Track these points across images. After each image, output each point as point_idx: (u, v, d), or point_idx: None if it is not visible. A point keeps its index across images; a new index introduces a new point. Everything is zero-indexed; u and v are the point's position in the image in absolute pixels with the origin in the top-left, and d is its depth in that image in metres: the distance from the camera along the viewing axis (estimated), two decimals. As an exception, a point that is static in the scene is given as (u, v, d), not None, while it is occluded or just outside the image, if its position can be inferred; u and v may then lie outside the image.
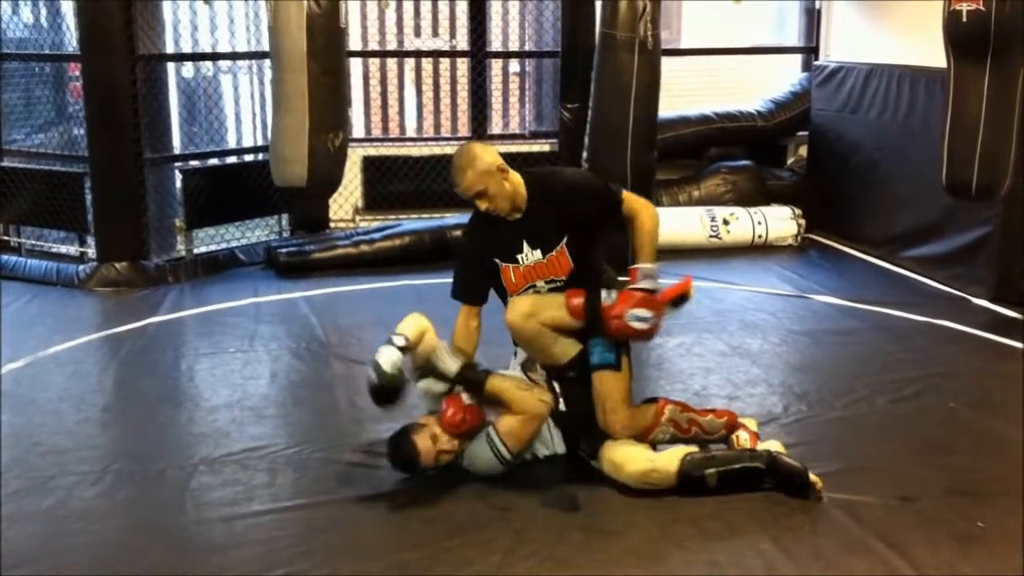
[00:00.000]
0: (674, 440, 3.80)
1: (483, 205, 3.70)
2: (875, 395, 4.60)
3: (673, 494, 3.56)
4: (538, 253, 3.77)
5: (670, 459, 3.59)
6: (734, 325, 5.65)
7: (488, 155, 3.69)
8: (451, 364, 3.68)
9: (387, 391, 3.64)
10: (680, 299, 3.81)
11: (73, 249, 6.88)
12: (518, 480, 3.71)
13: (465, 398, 3.67)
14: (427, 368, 3.72)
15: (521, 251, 3.78)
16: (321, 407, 4.54)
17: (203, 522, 3.49)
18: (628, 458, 3.61)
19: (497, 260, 3.82)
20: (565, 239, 3.74)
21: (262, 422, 4.34)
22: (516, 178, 3.75)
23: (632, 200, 3.82)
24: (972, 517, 3.46)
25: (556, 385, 3.82)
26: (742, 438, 3.84)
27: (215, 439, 4.15)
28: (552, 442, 3.83)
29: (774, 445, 3.77)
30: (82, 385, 4.80)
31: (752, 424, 3.97)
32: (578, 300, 3.66)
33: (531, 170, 3.89)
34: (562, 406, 3.80)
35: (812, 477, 3.56)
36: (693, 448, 3.67)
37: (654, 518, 3.46)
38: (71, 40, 6.58)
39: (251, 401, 4.56)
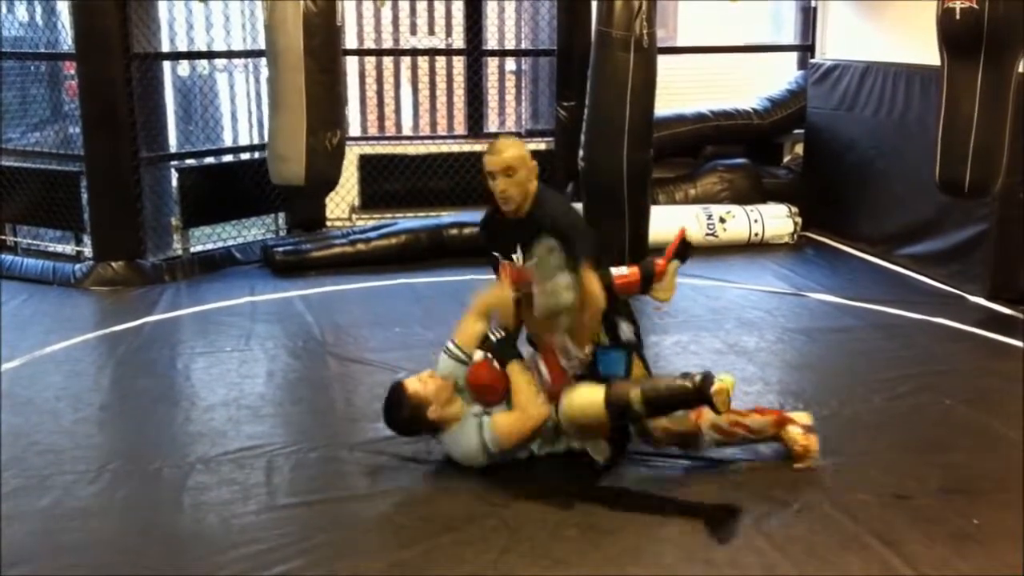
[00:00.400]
0: (719, 445, 3.82)
1: (500, 185, 3.86)
2: (871, 393, 4.61)
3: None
4: (522, 259, 3.91)
5: (599, 391, 3.55)
6: (731, 323, 5.66)
7: (526, 151, 3.93)
8: (494, 333, 3.76)
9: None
10: (682, 250, 4.01)
11: (69, 248, 6.88)
12: (514, 478, 3.71)
13: (496, 366, 3.71)
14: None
15: (515, 252, 3.95)
16: (317, 406, 4.54)
17: (200, 521, 3.49)
18: (568, 397, 3.60)
19: (498, 255, 4.03)
20: None
21: (259, 421, 4.34)
22: (535, 186, 3.95)
23: (587, 279, 3.73)
24: (967, 514, 3.47)
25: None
26: (794, 431, 3.81)
27: (212, 438, 4.15)
28: (553, 438, 3.80)
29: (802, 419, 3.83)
30: (79, 384, 4.80)
31: (805, 418, 3.91)
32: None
33: (546, 190, 4.05)
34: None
35: (714, 388, 3.45)
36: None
37: (650, 516, 3.47)
38: (67, 39, 6.58)
39: (248, 400, 4.57)
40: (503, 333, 3.78)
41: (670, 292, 4.20)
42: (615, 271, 3.97)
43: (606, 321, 3.87)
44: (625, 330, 3.93)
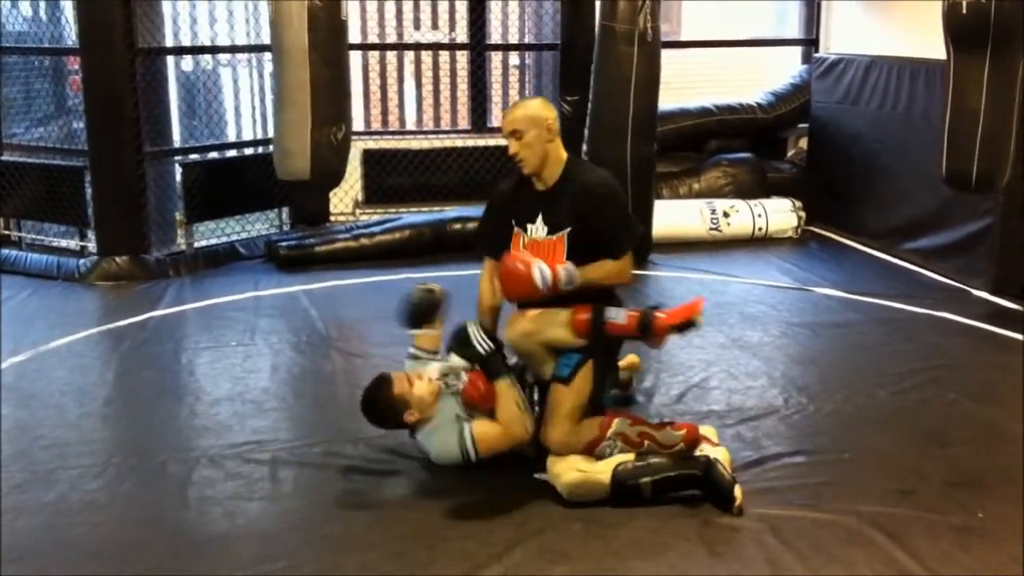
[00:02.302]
0: (623, 451, 3.65)
1: (512, 148, 3.70)
2: (875, 387, 4.60)
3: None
4: (545, 230, 3.75)
5: (603, 469, 3.52)
6: (734, 317, 5.66)
7: (545, 110, 3.74)
8: (483, 346, 3.64)
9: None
10: (686, 326, 3.69)
11: (74, 243, 6.89)
12: (519, 473, 3.71)
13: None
14: (459, 342, 3.68)
15: (534, 222, 3.77)
16: (322, 400, 4.55)
17: (205, 515, 3.50)
18: (563, 469, 3.55)
19: (514, 222, 3.83)
20: (570, 229, 3.71)
21: (263, 415, 4.34)
22: (558, 151, 3.76)
23: (626, 261, 3.75)
24: (972, 509, 3.47)
25: (536, 390, 3.77)
26: (706, 451, 3.65)
27: (216, 432, 4.16)
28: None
29: (720, 453, 3.64)
30: (84, 379, 4.81)
31: (712, 435, 3.83)
32: (584, 316, 3.61)
33: (582, 159, 3.87)
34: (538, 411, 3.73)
35: (736, 492, 3.44)
36: (629, 456, 3.56)
37: (655, 510, 3.47)
38: (70, 34, 6.58)
39: (252, 395, 4.57)
40: (491, 345, 3.65)
41: (661, 346, 3.91)
42: (612, 314, 3.64)
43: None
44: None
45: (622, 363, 4.27)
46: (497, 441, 3.57)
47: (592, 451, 3.61)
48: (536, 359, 3.70)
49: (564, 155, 3.78)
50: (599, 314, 3.62)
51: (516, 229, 3.81)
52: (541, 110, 3.73)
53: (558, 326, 3.61)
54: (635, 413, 3.99)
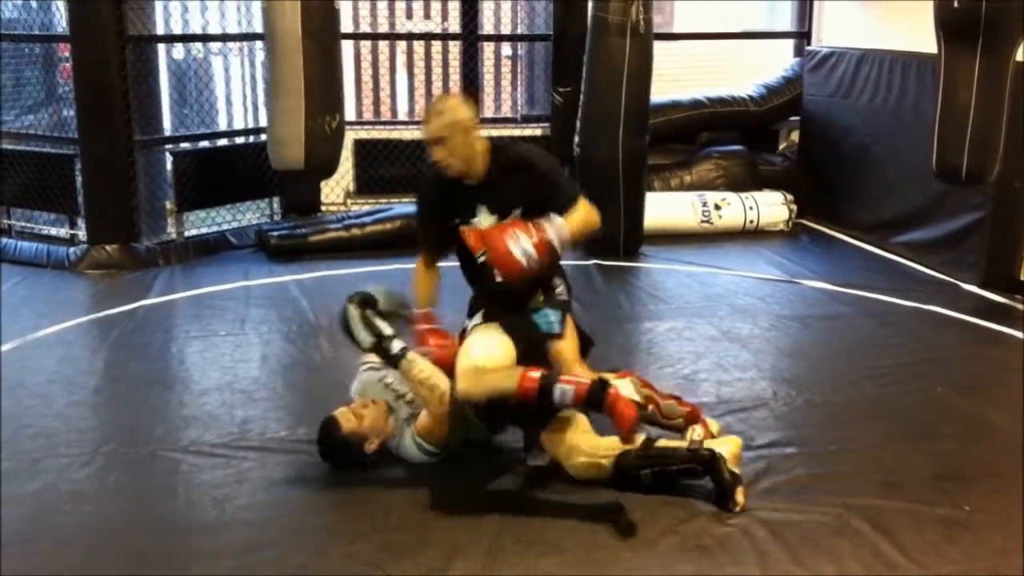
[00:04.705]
0: None
1: (437, 154, 3.69)
2: (864, 380, 4.62)
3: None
4: (493, 219, 3.72)
5: (607, 455, 3.51)
6: (724, 310, 5.67)
7: (463, 111, 3.71)
8: (368, 333, 3.58)
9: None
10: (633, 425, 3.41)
11: (63, 231, 6.87)
12: (506, 465, 3.72)
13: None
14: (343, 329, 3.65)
15: (476, 215, 3.75)
16: (311, 390, 4.54)
17: (193, 504, 3.50)
18: (568, 452, 3.55)
19: (458, 220, 3.80)
20: (520, 210, 3.70)
21: (252, 405, 4.34)
22: (481, 144, 3.74)
23: (585, 203, 3.74)
24: (958, 501, 3.49)
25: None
26: (696, 432, 3.64)
27: (205, 422, 4.15)
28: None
29: (729, 444, 3.60)
30: (72, 368, 4.79)
31: (715, 427, 3.85)
32: (531, 384, 3.34)
33: (499, 141, 3.88)
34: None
35: (738, 494, 3.42)
36: (634, 444, 3.50)
37: (643, 503, 3.47)
38: (61, 21, 6.54)
39: (241, 384, 4.57)
40: (380, 329, 3.58)
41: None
42: (561, 390, 3.36)
43: (544, 281, 3.79)
44: (561, 291, 3.85)
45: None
46: (435, 426, 3.59)
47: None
48: (489, 391, 3.48)
49: (484, 144, 3.76)
50: (547, 388, 3.35)
51: (462, 226, 3.76)
52: (461, 112, 3.69)
53: (505, 379, 3.42)
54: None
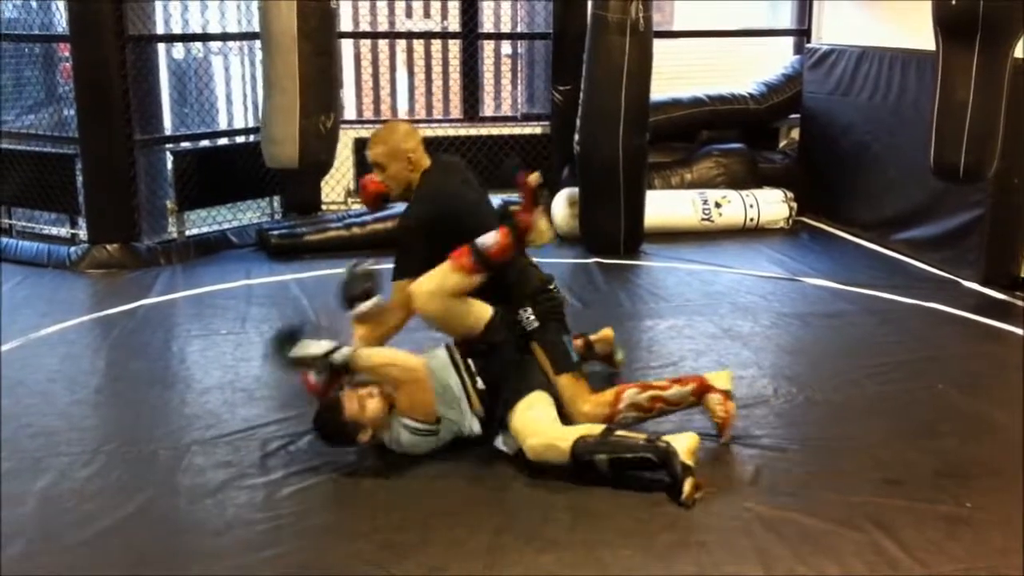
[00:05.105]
0: (639, 421, 3.87)
1: (377, 177, 4.03)
2: (864, 378, 4.62)
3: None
4: None
5: (566, 437, 3.57)
6: (725, 308, 5.67)
7: (406, 140, 3.98)
8: (315, 349, 3.69)
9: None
10: (536, 198, 3.77)
11: (64, 231, 6.87)
12: (506, 462, 3.73)
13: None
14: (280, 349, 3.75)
15: None
16: (312, 389, 4.54)
17: (195, 503, 3.50)
18: (528, 431, 3.62)
19: None
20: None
21: (254, 404, 4.34)
22: (417, 175, 4.01)
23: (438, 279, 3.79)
24: (960, 498, 3.49)
25: (471, 363, 3.85)
26: (713, 401, 3.87)
27: (207, 421, 4.16)
28: (469, 423, 3.81)
29: (684, 441, 3.54)
30: (73, 367, 4.80)
31: (724, 380, 3.94)
32: (463, 257, 3.72)
33: (432, 167, 4.07)
34: (480, 383, 3.80)
35: (687, 486, 3.41)
36: (595, 430, 3.58)
37: (642, 499, 3.48)
38: (61, 21, 6.55)
39: (243, 383, 4.57)
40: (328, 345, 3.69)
41: (548, 233, 3.94)
42: (481, 242, 3.72)
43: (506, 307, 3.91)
44: (525, 319, 3.94)
45: (595, 336, 4.53)
46: (415, 398, 3.64)
47: (612, 422, 3.76)
48: (457, 312, 3.79)
49: (424, 168, 4.03)
50: (474, 248, 3.72)
51: None
52: (400, 141, 3.96)
53: (448, 272, 3.73)
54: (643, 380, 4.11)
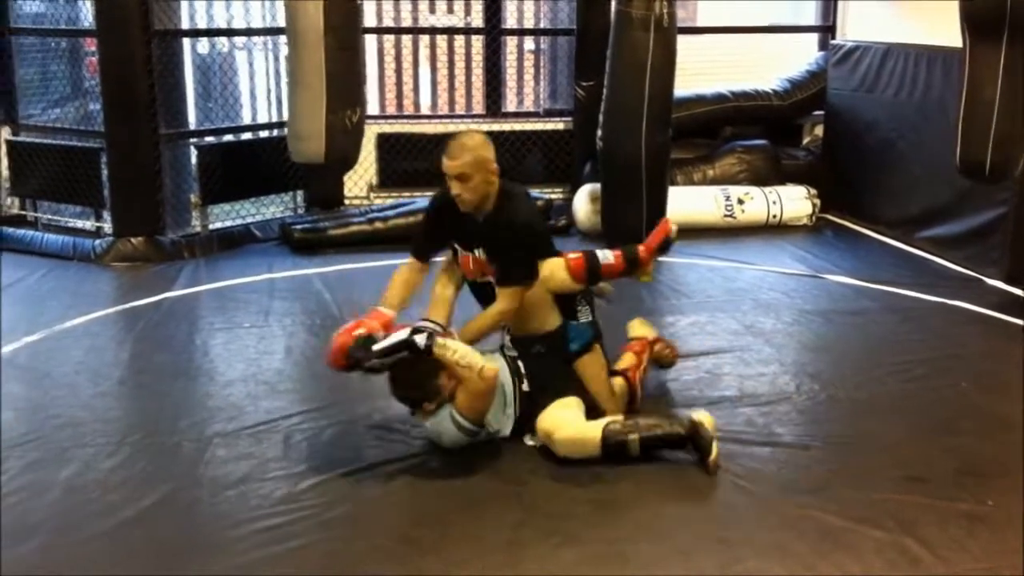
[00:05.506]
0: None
1: (455, 188, 3.79)
2: (887, 375, 4.60)
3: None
4: (483, 254, 3.92)
5: (595, 427, 3.65)
6: (748, 304, 5.66)
7: (490, 151, 3.84)
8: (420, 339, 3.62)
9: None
10: (664, 246, 4.10)
11: (89, 224, 6.92)
12: (528, 456, 3.74)
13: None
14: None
15: (477, 248, 3.93)
16: (334, 382, 4.53)
17: (217, 495, 3.52)
18: (556, 426, 3.68)
19: (457, 246, 3.99)
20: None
21: (276, 396, 4.37)
22: (495, 187, 3.87)
23: (506, 294, 3.84)
24: (981, 496, 3.48)
25: (521, 364, 3.88)
26: (660, 348, 4.39)
27: (230, 413, 4.18)
28: (504, 425, 3.83)
29: (703, 416, 3.69)
30: (98, 359, 4.84)
31: (639, 329, 4.45)
32: (579, 261, 3.90)
33: (513, 187, 3.98)
34: (526, 386, 3.83)
35: (714, 450, 3.58)
36: (617, 417, 3.74)
37: (664, 494, 3.49)
38: (87, 15, 6.60)
39: (265, 376, 4.60)
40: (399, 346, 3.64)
41: (650, 275, 4.36)
42: (601, 256, 3.96)
43: (569, 303, 3.96)
44: (583, 315, 4.00)
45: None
46: (477, 401, 3.63)
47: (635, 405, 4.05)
48: (538, 309, 3.87)
49: (498, 187, 3.88)
50: (593, 258, 3.93)
51: (462, 252, 3.96)
52: (485, 151, 3.81)
53: (559, 270, 3.87)
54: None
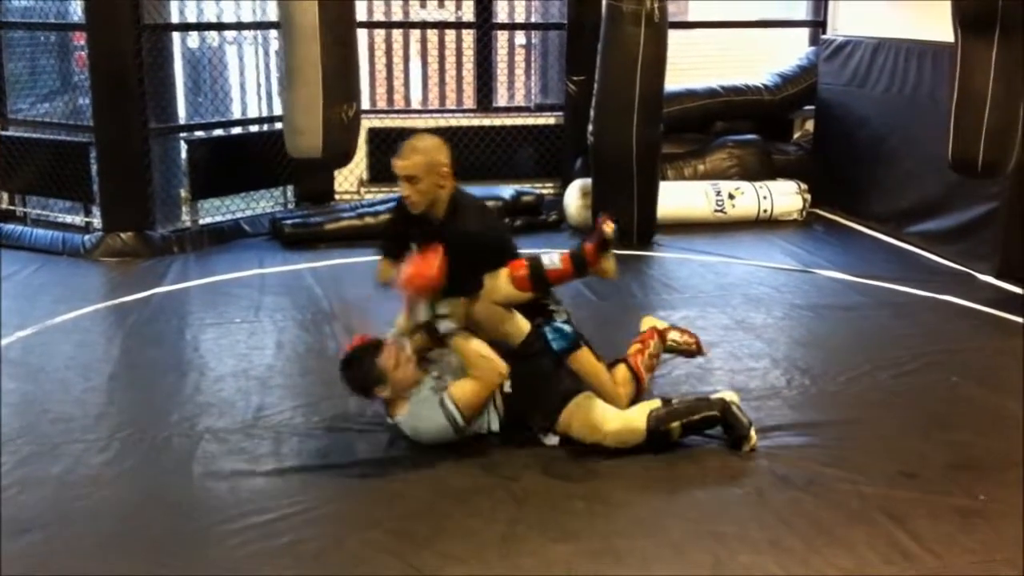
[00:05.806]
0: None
1: (404, 190, 3.80)
2: (878, 370, 4.61)
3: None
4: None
5: (639, 416, 3.70)
6: (738, 299, 5.66)
7: (442, 155, 3.81)
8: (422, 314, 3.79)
9: None
10: (603, 246, 3.86)
11: (79, 219, 6.90)
12: (521, 451, 3.74)
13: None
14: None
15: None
16: (325, 377, 4.53)
17: (209, 490, 3.52)
18: (604, 419, 3.71)
19: (414, 244, 3.89)
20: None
21: (267, 392, 4.36)
22: (447, 191, 3.83)
23: (492, 283, 3.80)
24: (973, 491, 3.48)
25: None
26: (674, 336, 4.40)
27: (220, 408, 4.17)
28: (489, 420, 3.82)
29: (730, 395, 3.91)
30: (89, 354, 4.82)
31: (656, 322, 4.43)
32: (522, 272, 3.76)
33: (464, 196, 3.94)
34: (507, 387, 3.79)
35: (752, 434, 3.74)
36: (656, 403, 3.77)
37: (657, 489, 3.49)
38: (76, 9, 6.56)
39: (256, 371, 4.59)
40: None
41: (612, 270, 3.99)
42: (547, 261, 3.82)
43: (540, 306, 3.92)
44: (559, 315, 3.97)
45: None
46: (476, 395, 3.65)
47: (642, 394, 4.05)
48: (498, 319, 3.79)
49: (451, 192, 3.84)
50: (537, 266, 3.79)
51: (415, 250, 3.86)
52: (437, 154, 3.78)
53: (503, 283, 3.76)
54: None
